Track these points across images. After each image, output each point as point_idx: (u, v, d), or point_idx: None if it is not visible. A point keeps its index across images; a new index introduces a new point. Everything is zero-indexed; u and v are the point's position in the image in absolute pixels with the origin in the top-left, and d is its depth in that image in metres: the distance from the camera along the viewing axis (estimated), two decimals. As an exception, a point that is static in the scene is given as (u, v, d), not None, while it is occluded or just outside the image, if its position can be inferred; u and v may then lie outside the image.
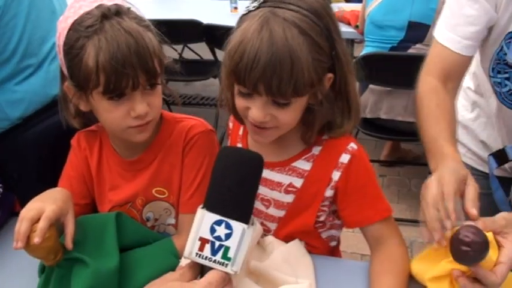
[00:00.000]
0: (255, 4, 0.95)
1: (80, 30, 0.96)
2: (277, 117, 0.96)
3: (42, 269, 1.03)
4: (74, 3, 1.01)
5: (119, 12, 0.98)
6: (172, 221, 1.20)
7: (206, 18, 3.38)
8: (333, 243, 1.24)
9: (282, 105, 0.94)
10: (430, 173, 3.26)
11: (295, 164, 1.09)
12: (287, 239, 1.12)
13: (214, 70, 3.59)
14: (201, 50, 4.04)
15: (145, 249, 1.07)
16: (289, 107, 0.95)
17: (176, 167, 1.15)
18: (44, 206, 0.93)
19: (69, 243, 0.96)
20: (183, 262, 0.97)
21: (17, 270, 1.13)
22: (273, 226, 1.15)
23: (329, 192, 1.08)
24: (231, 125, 1.24)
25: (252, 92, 0.93)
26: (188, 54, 4.23)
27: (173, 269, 0.76)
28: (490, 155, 1.32)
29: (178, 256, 1.06)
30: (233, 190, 0.70)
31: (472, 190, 0.95)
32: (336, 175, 1.06)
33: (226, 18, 3.56)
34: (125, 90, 0.97)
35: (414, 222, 2.85)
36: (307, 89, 0.93)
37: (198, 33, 3.35)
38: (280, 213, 1.13)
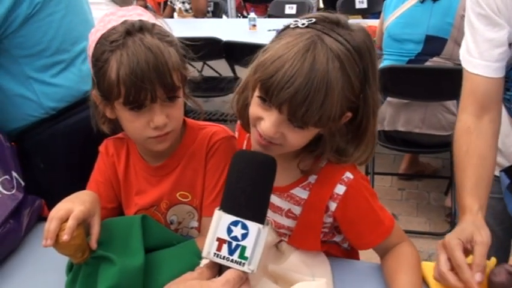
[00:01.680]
0: (305, 22, 0.92)
1: (105, 44, 1.02)
2: (286, 137, 0.94)
3: (70, 268, 1.07)
4: (104, 17, 1.08)
5: (142, 28, 1.03)
6: (195, 224, 1.24)
7: (225, 36, 3.46)
8: (345, 245, 1.25)
9: (296, 127, 0.92)
10: (448, 186, 3.21)
11: (293, 191, 1.09)
12: None
13: (234, 86, 3.64)
14: (219, 68, 4.12)
15: (169, 250, 1.10)
16: (302, 131, 0.93)
17: (199, 171, 1.19)
18: (73, 206, 0.98)
19: (93, 243, 1.01)
20: (203, 263, 1.01)
21: (45, 270, 1.18)
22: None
23: (328, 220, 1.09)
24: (236, 134, 1.26)
25: (273, 108, 0.91)
26: (207, 72, 4.31)
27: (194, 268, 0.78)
28: (502, 171, 1.33)
29: (201, 257, 1.09)
30: (248, 192, 0.72)
31: (478, 253, 0.97)
32: (332, 205, 1.05)
33: (245, 35, 3.64)
34: (143, 102, 1.02)
35: (433, 235, 2.84)
36: (328, 123, 0.92)
37: (218, 50, 3.43)
38: (282, 231, 1.14)
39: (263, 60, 0.91)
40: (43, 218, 1.40)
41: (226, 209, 0.73)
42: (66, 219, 0.96)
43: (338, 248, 1.23)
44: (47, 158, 1.47)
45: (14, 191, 1.29)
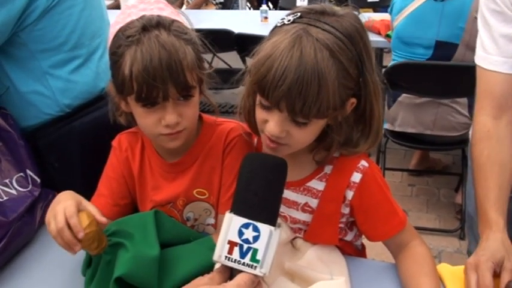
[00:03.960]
0: (290, 18, 0.94)
1: (122, 39, 1.02)
2: (292, 135, 0.95)
3: (87, 264, 1.07)
4: (125, 10, 1.07)
5: (158, 24, 1.02)
6: (212, 221, 1.24)
7: (237, 28, 3.44)
8: (358, 243, 1.25)
9: (300, 124, 0.94)
10: (459, 182, 3.18)
11: (309, 184, 1.09)
12: None
13: (244, 79, 3.63)
14: (230, 60, 4.11)
15: (186, 246, 1.09)
16: (306, 127, 0.94)
17: (216, 168, 1.18)
18: (62, 206, 0.96)
19: (99, 217, 0.98)
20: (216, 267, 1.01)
21: (58, 261, 1.19)
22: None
23: (345, 210, 1.10)
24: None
25: (273, 107, 0.93)
26: (217, 64, 4.30)
27: (213, 264, 0.77)
28: None
29: None
30: (259, 194, 0.72)
31: (505, 277, 0.98)
32: (349, 194, 1.06)
33: (256, 27, 3.62)
34: (155, 100, 1.01)
35: (443, 231, 2.84)
36: (329, 112, 0.93)
37: (230, 42, 3.41)
38: (297, 226, 1.14)
39: (255, 63, 0.93)
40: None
41: (237, 211, 0.72)
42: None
43: (350, 247, 1.23)
44: (62, 157, 1.45)
45: (29, 188, 1.30)
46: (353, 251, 1.23)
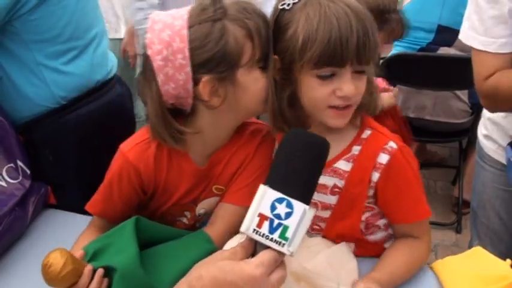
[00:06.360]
0: (290, 2, 0.96)
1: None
2: (359, 89, 0.97)
3: None
4: None
5: None
6: None
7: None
8: (387, 246, 1.18)
9: (361, 73, 0.96)
10: (456, 175, 3.18)
11: (337, 164, 1.07)
12: (336, 242, 1.12)
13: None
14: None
15: (181, 239, 1.08)
16: (363, 76, 0.97)
17: (241, 167, 1.15)
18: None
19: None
20: (234, 241, 0.97)
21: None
22: (322, 225, 1.14)
23: (370, 192, 1.07)
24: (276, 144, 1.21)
25: (341, 66, 0.93)
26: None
27: (209, 254, 0.74)
28: (508, 144, 1.34)
29: (213, 242, 1.06)
30: (298, 171, 0.69)
31: None
32: (375, 176, 1.04)
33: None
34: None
35: (439, 225, 2.83)
36: (376, 54, 0.98)
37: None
38: (326, 213, 1.11)
39: (301, 44, 0.92)
40: (49, 205, 1.40)
41: (273, 184, 0.69)
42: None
43: (374, 249, 1.16)
44: (57, 150, 1.43)
45: (20, 179, 1.27)
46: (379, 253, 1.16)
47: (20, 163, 1.29)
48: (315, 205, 1.10)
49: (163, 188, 1.15)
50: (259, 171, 1.14)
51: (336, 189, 1.08)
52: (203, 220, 1.23)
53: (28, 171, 1.31)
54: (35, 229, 1.30)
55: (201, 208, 1.20)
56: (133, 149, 1.10)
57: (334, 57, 0.91)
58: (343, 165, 1.06)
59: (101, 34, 1.56)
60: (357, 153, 1.05)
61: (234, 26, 0.97)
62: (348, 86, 0.94)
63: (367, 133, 1.06)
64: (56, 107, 1.46)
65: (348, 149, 1.06)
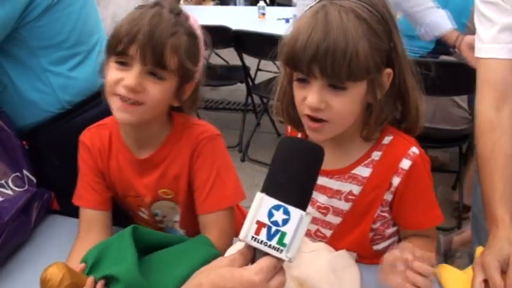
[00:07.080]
0: (313, 3, 0.97)
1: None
2: (332, 106, 0.94)
3: None
4: None
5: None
6: (178, 218, 1.25)
7: (234, 24, 3.41)
8: None
9: (338, 89, 0.93)
10: (456, 180, 3.16)
11: (355, 171, 1.07)
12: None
13: (241, 75, 3.63)
14: (227, 56, 4.10)
15: (183, 244, 1.09)
16: (345, 94, 0.93)
17: (184, 169, 1.17)
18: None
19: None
20: (232, 249, 0.97)
21: (53, 261, 1.15)
22: (328, 233, 1.15)
23: (388, 197, 1.07)
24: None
25: (307, 75, 0.93)
26: (214, 60, 4.28)
27: (214, 258, 0.76)
28: None
29: (216, 247, 1.08)
30: (294, 177, 0.70)
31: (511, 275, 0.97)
32: (396, 180, 1.04)
33: (254, 24, 3.61)
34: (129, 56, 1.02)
35: (440, 230, 2.80)
36: (363, 74, 0.92)
37: (227, 38, 3.40)
38: (337, 219, 1.12)
39: (285, 41, 0.95)
40: (52, 211, 1.42)
41: (269, 192, 0.70)
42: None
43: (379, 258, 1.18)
44: (62, 154, 1.43)
45: (26, 187, 1.29)
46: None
47: (26, 172, 1.31)
48: (326, 209, 1.11)
49: (108, 174, 1.21)
50: (213, 176, 1.15)
51: (351, 196, 1.08)
52: (165, 222, 1.28)
53: (34, 180, 1.33)
54: (38, 234, 1.30)
55: (155, 209, 1.23)
56: (88, 130, 1.25)
57: (297, 62, 0.93)
58: (362, 171, 1.07)
59: (102, 39, 1.58)
60: (377, 158, 1.06)
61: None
62: (312, 96, 0.93)
63: (388, 139, 1.07)
64: (61, 112, 1.48)
65: (368, 154, 1.07)
